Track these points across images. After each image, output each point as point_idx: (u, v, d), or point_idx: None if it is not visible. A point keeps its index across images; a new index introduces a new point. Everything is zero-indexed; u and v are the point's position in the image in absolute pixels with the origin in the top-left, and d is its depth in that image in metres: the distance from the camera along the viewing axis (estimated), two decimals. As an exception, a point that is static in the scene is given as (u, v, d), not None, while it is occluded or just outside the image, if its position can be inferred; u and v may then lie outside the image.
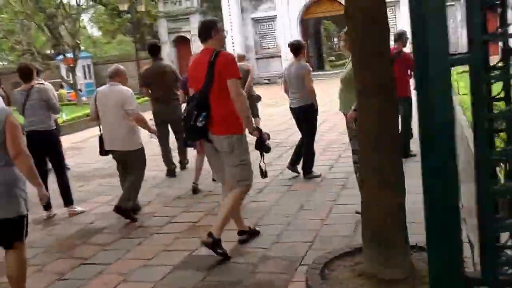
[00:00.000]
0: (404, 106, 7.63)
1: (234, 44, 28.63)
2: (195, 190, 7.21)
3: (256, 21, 29.78)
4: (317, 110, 7.38)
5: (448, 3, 26.17)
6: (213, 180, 6.82)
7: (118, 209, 6.08)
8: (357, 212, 5.00)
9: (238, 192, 4.77)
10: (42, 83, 7.16)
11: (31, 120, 6.64)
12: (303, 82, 7.18)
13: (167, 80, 8.16)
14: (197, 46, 28.45)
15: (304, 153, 7.47)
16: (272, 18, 29.39)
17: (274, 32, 29.36)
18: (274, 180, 7.52)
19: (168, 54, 30.03)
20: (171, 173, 8.42)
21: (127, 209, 6.13)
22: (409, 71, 7.74)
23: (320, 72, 28.98)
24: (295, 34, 28.02)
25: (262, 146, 4.82)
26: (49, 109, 6.75)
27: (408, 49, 8.01)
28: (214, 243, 4.56)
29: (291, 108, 7.49)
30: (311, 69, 7.50)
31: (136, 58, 24.57)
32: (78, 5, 26.09)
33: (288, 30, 28.53)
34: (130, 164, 6.35)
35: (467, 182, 3.36)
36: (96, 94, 6.42)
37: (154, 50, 8.41)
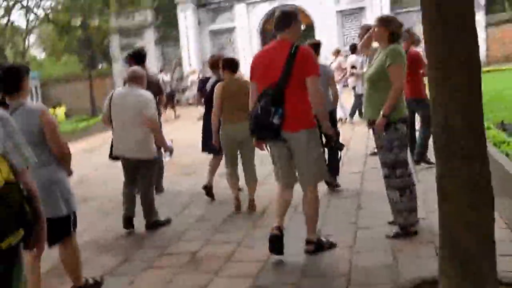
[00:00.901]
0: (421, 108, 7.16)
1: (190, 58, 27.48)
2: (209, 191, 6.88)
3: (214, 33, 28.70)
4: None
5: (416, 8, 26.08)
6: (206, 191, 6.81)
7: (150, 226, 5.87)
8: (387, 236, 4.73)
9: (314, 190, 4.60)
10: None
11: None
12: None
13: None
14: (151, 62, 27.32)
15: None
16: (231, 30, 28.38)
17: (232, 45, 28.34)
18: (274, 201, 6.47)
19: (120, 71, 28.63)
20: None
21: (157, 221, 5.94)
22: (421, 71, 7.10)
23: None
24: (256, 47, 27.20)
25: (336, 143, 4.75)
26: None
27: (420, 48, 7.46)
28: (317, 247, 4.58)
29: None
30: None
31: (89, 77, 23.14)
32: (27, 24, 24.79)
33: (248, 42, 27.58)
34: (141, 174, 5.91)
35: None
36: (112, 95, 5.89)
37: (141, 58, 7.60)
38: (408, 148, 4.90)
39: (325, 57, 19.12)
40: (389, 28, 4.75)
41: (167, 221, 6.05)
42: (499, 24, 26.76)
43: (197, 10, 28.16)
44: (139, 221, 5.97)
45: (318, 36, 26.72)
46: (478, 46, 2.88)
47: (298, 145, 4.42)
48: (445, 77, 2.87)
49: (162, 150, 6.16)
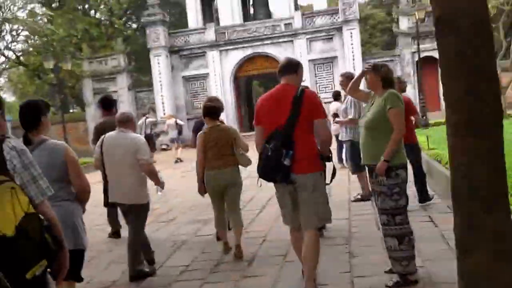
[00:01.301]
0: (414, 153, 7.26)
1: (164, 104, 27.37)
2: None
3: (187, 79, 28.72)
4: None
5: (387, 58, 26.64)
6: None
7: (135, 276, 5.54)
8: (387, 286, 4.54)
9: (316, 232, 4.58)
10: None
11: None
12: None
13: None
14: (125, 107, 27.09)
15: None
16: (204, 76, 28.45)
17: (206, 91, 28.36)
18: (261, 248, 6.27)
19: (93, 115, 28.33)
20: (115, 234, 7.58)
21: (144, 273, 5.64)
22: (411, 117, 7.25)
23: (252, 133, 28.06)
24: (228, 93, 27.28)
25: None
26: None
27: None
28: None
29: None
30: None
31: (62, 121, 22.75)
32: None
33: (220, 89, 27.66)
34: (132, 219, 5.69)
35: None
36: (103, 140, 5.70)
37: (109, 104, 7.52)
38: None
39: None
40: (380, 74, 4.78)
41: (152, 271, 5.74)
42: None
43: (170, 56, 28.25)
44: (122, 271, 5.67)
45: (291, 83, 27.03)
46: (500, 92, 2.83)
47: (305, 187, 4.41)
48: (468, 124, 2.79)
49: (153, 185, 5.97)
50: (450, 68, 2.86)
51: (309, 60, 26.80)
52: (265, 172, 4.44)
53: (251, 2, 33.50)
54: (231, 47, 27.97)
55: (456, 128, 2.84)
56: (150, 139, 20.61)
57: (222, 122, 6.47)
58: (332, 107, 12.82)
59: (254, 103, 37.34)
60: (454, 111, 2.85)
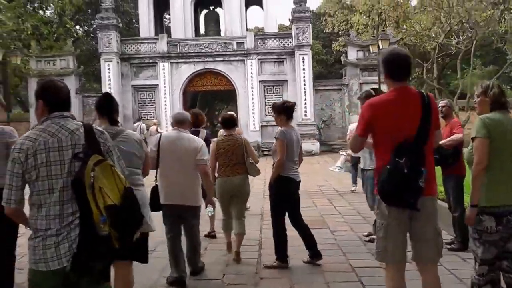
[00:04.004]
0: (458, 185, 6.92)
1: (110, 110, 26.89)
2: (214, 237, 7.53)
3: (136, 88, 28.37)
4: None
5: (335, 87, 27.50)
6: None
7: (195, 273, 5.94)
8: None
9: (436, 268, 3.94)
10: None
11: None
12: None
13: None
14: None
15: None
16: (153, 87, 28.22)
17: (154, 102, 28.17)
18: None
19: (35, 118, 27.40)
20: None
21: (201, 268, 6.11)
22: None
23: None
24: (177, 106, 27.23)
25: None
26: None
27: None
28: None
29: (297, 182, 6.56)
30: None
31: (7, 121, 21.95)
32: None
33: (169, 101, 27.57)
34: (188, 222, 5.78)
35: None
36: (160, 139, 5.70)
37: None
38: None
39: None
40: (490, 97, 4.17)
41: (203, 266, 6.21)
42: None
43: (121, 63, 27.90)
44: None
45: (240, 103, 27.36)
46: None
47: (427, 211, 3.78)
48: None
49: (203, 204, 6.11)
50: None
51: (260, 81, 27.23)
52: (396, 192, 3.67)
53: (202, 18, 33.73)
54: (182, 60, 27.89)
55: None
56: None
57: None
58: (352, 126, 12.68)
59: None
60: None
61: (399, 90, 3.84)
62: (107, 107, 4.52)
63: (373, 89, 4.57)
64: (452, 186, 6.95)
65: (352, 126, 12.32)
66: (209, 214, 6.48)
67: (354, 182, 12.99)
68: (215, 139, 6.81)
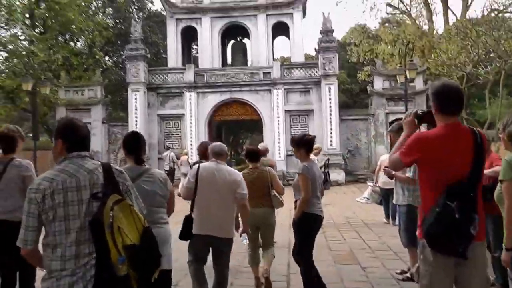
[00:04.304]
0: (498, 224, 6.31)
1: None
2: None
3: (162, 118, 28.63)
4: None
5: (362, 117, 27.31)
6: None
7: None
8: None
9: None
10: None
11: (3, 205, 5.17)
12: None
13: None
14: (97, 140, 26.79)
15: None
16: (180, 117, 28.45)
17: (180, 132, 28.38)
18: None
19: (61, 146, 27.77)
20: None
21: None
22: None
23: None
24: (202, 136, 27.35)
25: None
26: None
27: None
28: None
29: (321, 218, 6.42)
30: None
31: (34, 148, 22.29)
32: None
33: (195, 131, 27.75)
34: (220, 254, 5.70)
35: None
36: (198, 170, 5.67)
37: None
38: None
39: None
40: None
41: None
42: None
43: (148, 93, 28.24)
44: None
45: (266, 132, 27.35)
46: None
47: (476, 258, 3.50)
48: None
49: (239, 233, 6.07)
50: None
51: (286, 111, 27.26)
52: (444, 239, 3.39)
53: (229, 48, 34.09)
54: (209, 90, 28.14)
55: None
56: (172, 174, 21.07)
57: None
58: (383, 157, 12.58)
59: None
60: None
61: (451, 126, 3.54)
62: (134, 146, 4.66)
63: (422, 111, 4.27)
64: (491, 226, 6.66)
65: (384, 158, 12.21)
66: (245, 243, 6.39)
67: (388, 216, 12.75)
68: (242, 172, 6.67)
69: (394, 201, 7.70)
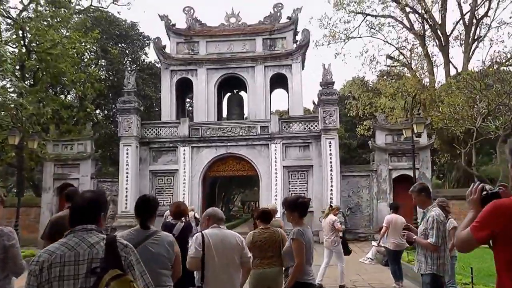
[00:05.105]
0: None
1: (128, 197, 25.70)
2: None
3: (154, 174, 27.30)
4: None
5: (363, 173, 26.09)
6: None
7: None
8: None
9: None
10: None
11: None
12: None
13: None
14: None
15: None
16: (172, 173, 27.13)
17: (172, 188, 26.99)
18: None
19: (49, 203, 26.49)
20: None
21: None
22: None
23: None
24: (196, 193, 26.06)
25: None
26: (7, 266, 4.60)
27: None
28: None
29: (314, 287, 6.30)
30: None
31: (17, 205, 20.91)
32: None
33: (188, 188, 26.38)
34: None
35: None
36: (203, 238, 5.45)
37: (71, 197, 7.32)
38: None
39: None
40: None
41: None
42: None
43: (140, 147, 27.06)
44: None
45: (262, 189, 26.09)
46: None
47: None
48: None
49: None
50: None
51: (284, 166, 26.04)
52: None
53: (225, 101, 33.24)
54: (204, 144, 26.98)
55: None
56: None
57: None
58: (395, 219, 11.87)
59: (216, 206, 36.03)
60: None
61: None
62: (140, 210, 4.76)
63: (490, 189, 3.48)
64: None
65: (390, 217, 11.38)
66: None
67: (397, 278, 11.77)
68: (252, 231, 6.83)
69: (415, 270, 7.06)
